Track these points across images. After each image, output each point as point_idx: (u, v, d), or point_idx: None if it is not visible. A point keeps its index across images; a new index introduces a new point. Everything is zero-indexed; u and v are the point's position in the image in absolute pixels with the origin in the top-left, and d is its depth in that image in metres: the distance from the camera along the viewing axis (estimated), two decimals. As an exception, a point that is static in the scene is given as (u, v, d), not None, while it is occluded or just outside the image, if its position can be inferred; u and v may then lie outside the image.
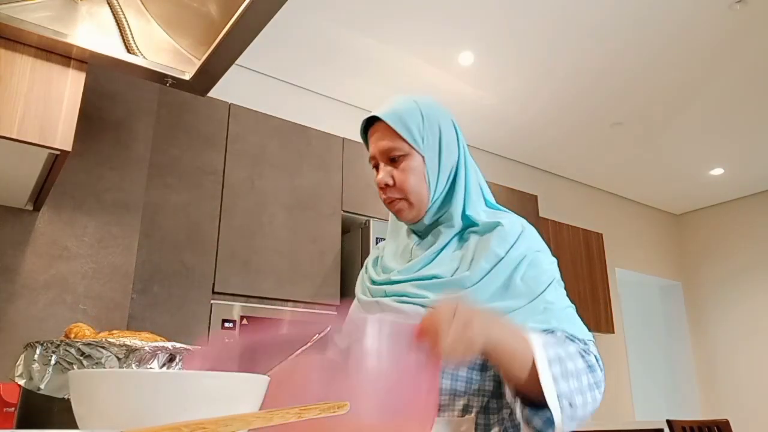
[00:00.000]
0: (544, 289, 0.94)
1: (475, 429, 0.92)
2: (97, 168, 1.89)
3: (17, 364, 0.87)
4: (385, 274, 1.05)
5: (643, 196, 5.29)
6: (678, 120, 3.92)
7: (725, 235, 5.32)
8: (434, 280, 0.96)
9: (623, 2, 2.80)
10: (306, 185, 2.59)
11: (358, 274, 1.18)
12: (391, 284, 1.02)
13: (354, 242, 2.66)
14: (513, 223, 1.02)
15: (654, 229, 5.48)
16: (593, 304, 4.12)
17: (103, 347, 0.84)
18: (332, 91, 3.54)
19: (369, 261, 1.15)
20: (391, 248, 1.11)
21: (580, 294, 4.06)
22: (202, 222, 2.29)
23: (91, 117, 1.90)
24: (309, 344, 1.10)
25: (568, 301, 0.97)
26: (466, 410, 0.93)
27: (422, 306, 0.93)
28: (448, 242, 1.02)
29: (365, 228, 2.62)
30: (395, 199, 1.02)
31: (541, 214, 4.29)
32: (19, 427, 0.89)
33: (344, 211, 2.67)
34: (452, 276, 0.95)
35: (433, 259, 1.00)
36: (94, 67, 1.64)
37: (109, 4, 1.60)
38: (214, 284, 2.25)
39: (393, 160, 1.01)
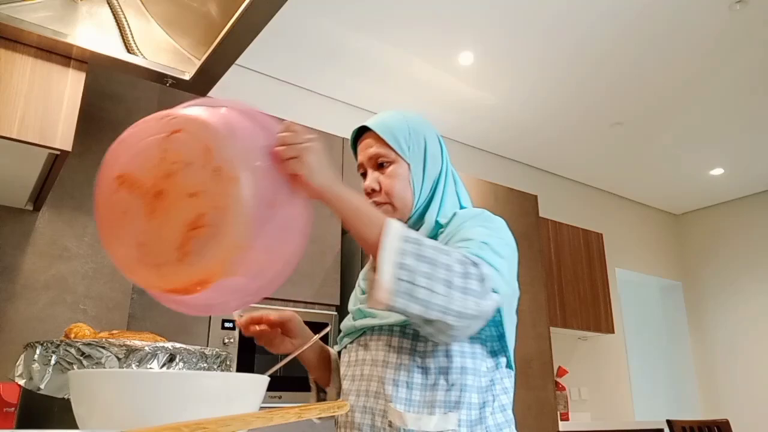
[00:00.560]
0: (466, 229, 0.99)
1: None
2: (97, 168, 1.88)
3: (17, 364, 0.87)
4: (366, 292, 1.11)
5: (643, 196, 5.29)
6: (678, 120, 3.92)
7: (725, 235, 5.32)
8: None
9: (623, 2, 2.80)
10: (306, 185, 2.60)
11: (358, 274, 1.19)
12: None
13: (354, 242, 2.66)
14: (468, 210, 1.08)
15: (654, 229, 5.48)
16: (593, 304, 4.12)
17: (103, 347, 0.84)
18: (332, 91, 3.54)
19: (362, 272, 1.20)
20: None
21: (580, 294, 4.06)
22: (202, 222, 2.28)
23: (91, 117, 1.90)
24: (309, 344, 1.10)
25: (488, 242, 0.97)
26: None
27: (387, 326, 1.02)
28: None
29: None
30: (380, 203, 1.07)
31: (541, 214, 4.29)
32: (19, 427, 0.90)
33: (344, 211, 2.67)
34: None
35: None
36: (94, 67, 1.64)
37: (109, 4, 1.60)
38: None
39: (380, 166, 1.07)
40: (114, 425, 0.59)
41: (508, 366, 1.03)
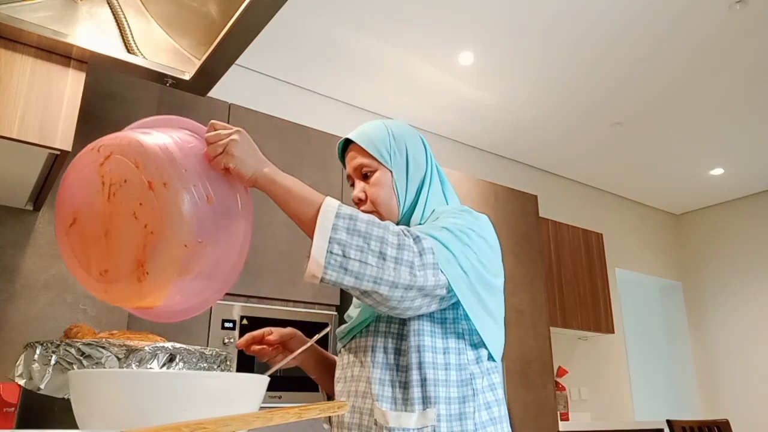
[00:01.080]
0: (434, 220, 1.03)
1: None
2: (97, 168, 1.89)
3: (17, 364, 0.87)
4: None
5: (643, 196, 5.29)
6: (678, 120, 3.92)
7: (725, 235, 5.32)
8: None
9: (623, 3, 2.80)
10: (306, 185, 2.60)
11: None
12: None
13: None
14: (446, 207, 1.11)
15: (654, 229, 5.48)
16: (593, 304, 4.12)
17: (103, 347, 0.84)
18: (332, 91, 3.54)
19: None
20: None
21: (580, 294, 4.06)
22: (202, 222, 2.28)
23: (91, 117, 1.90)
24: (309, 344, 1.11)
25: (450, 228, 0.99)
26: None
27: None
28: None
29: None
30: (367, 212, 1.10)
31: (541, 214, 4.29)
32: (19, 427, 0.90)
33: (344, 211, 2.67)
34: None
35: None
36: (94, 67, 1.64)
37: (109, 4, 1.60)
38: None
39: (365, 177, 1.12)
40: (114, 425, 0.59)
41: (491, 359, 1.03)
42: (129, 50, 1.59)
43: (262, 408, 0.63)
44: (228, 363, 1.01)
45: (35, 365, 0.83)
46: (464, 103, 3.70)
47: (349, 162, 1.15)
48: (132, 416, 0.58)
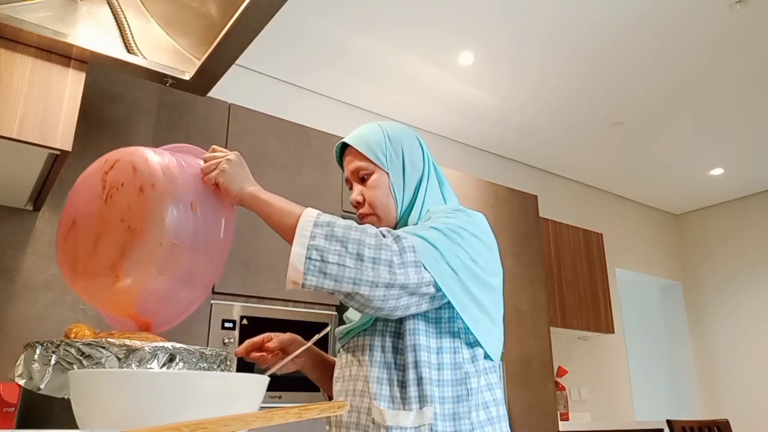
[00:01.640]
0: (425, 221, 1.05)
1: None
2: (97, 168, 1.89)
3: (17, 364, 0.87)
4: None
5: (643, 196, 5.29)
6: (678, 120, 3.92)
7: (725, 235, 5.32)
8: None
9: (622, 2, 2.80)
10: (306, 185, 2.60)
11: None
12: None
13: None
14: (441, 206, 1.12)
15: (654, 229, 5.48)
16: (593, 304, 4.12)
17: (103, 347, 0.84)
18: (332, 91, 3.54)
19: None
20: None
21: (580, 294, 4.06)
22: (202, 222, 2.28)
23: (91, 117, 1.90)
24: (309, 344, 1.11)
25: (438, 227, 1.00)
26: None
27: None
28: None
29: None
30: (365, 214, 1.12)
31: (541, 214, 4.29)
32: (19, 427, 0.90)
33: (344, 211, 2.67)
34: None
35: None
36: (94, 67, 1.64)
37: (109, 4, 1.60)
38: (214, 284, 2.25)
39: (363, 180, 1.13)
40: (114, 425, 0.59)
41: (487, 358, 1.03)
42: (129, 50, 1.59)
43: (262, 408, 0.63)
44: (228, 363, 1.01)
45: (35, 365, 0.83)
46: (464, 103, 3.70)
47: (346, 165, 1.16)
48: (132, 416, 0.58)
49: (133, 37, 1.60)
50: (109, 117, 1.94)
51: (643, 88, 3.53)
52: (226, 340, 2.21)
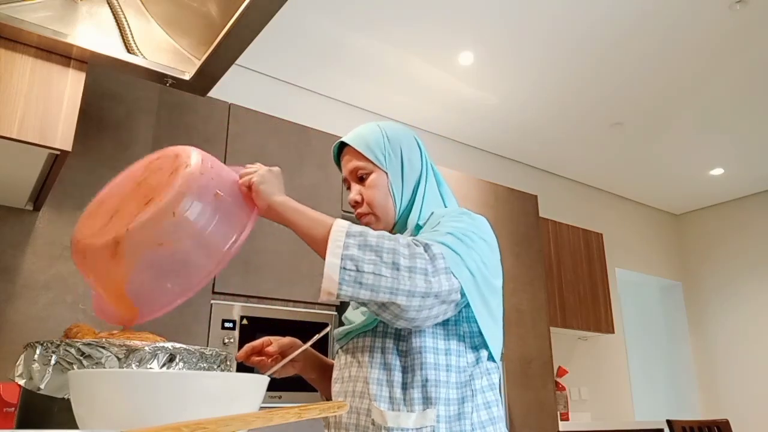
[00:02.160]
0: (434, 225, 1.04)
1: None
2: (97, 168, 1.89)
3: (17, 364, 0.87)
4: None
5: (643, 196, 5.29)
6: (678, 120, 3.92)
7: (725, 235, 5.32)
8: None
9: (622, 2, 2.80)
10: (306, 185, 2.60)
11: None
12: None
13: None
14: (445, 209, 1.12)
15: (654, 229, 5.48)
16: (593, 304, 4.12)
17: (103, 347, 0.84)
18: (332, 91, 3.54)
19: None
20: None
21: (580, 294, 4.06)
22: (202, 222, 2.28)
23: (91, 117, 1.90)
24: (309, 344, 1.11)
25: (453, 233, 1.00)
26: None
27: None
28: None
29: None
30: (364, 214, 1.12)
31: (541, 214, 4.29)
32: (19, 427, 0.90)
33: (344, 211, 2.67)
34: None
35: None
36: (94, 67, 1.64)
37: (109, 4, 1.60)
38: (214, 284, 2.25)
39: (361, 179, 1.12)
40: (114, 425, 0.59)
41: (491, 359, 1.04)
42: (129, 50, 1.59)
43: (262, 408, 0.63)
44: (228, 363, 1.01)
45: (35, 365, 0.83)
46: (464, 103, 3.70)
47: (344, 165, 1.16)
48: (132, 416, 0.58)
49: (133, 37, 1.60)
50: (109, 117, 1.94)
51: (643, 88, 3.53)
52: (226, 340, 2.21)
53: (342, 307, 2.51)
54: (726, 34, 3.03)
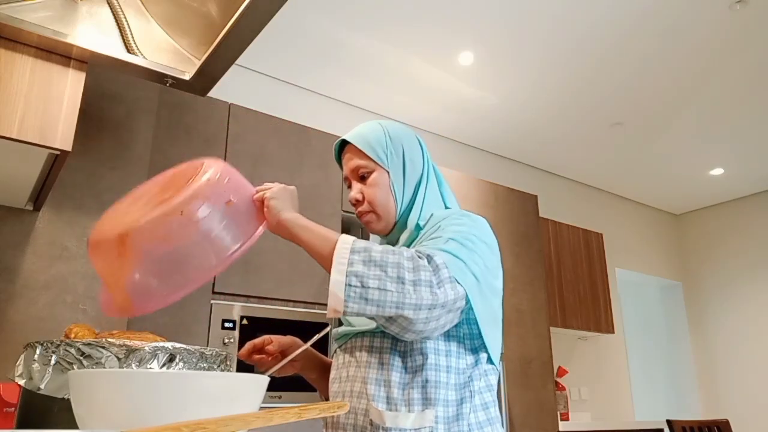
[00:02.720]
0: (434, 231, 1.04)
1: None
2: (97, 168, 1.89)
3: (17, 364, 0.87)
4: None
5: (643, 196, 5.29)
6: (678, 120, 3.92)
7: (725, 235, 5.32)
8: None
9: (623, 2, 2.80)
10: (306, 185, 2.60)
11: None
12: None
13: (354, 242, 2.66)
14: (445, 210, 1.11)
15: (654, 229, 5.48)
16: (593, 304, 4.12)
17: (103, 347, 0.84)
18: (332, 91, 3.54)
19: None
20: None
21: (580, 294, 4.06)
22: (202, 222, 2.28)
23: (91, 117, 1.90)
24: (309, 344, 1.11)
25: (455, 238, 1.00)
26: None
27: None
28: None
29: (365, 228, 2.61)
30: (365, 212, 1.12)
31: (541, 214, 4.29)
32: (19, 427, 0.90)
33: (344, 211, 2.67)
34: None
35: None
36: (94, 67, 1.64)
37: (109, 4, 1.60)
38: (213, 284, 2.25)
39: (362, 178, 1.12)
40: (114, 425, 0.59)
41: (490, 362, 1.04)
42: (129, 50, 1.59)
43: (262, 408, 0.63)
44: (228, 363, 1.01)
45: (35, 365, 0.83)
46: (464, 103, 3.70)
47: (345, 163, 1.15)
48: (132, 416, 0.58)
49: (133, 37, 1.60)
50: (109, 117, 1.94)
51: (643, 88, 3.53)
52: (226, 340, 2.21)
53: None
54: (726, 34, 3.03)
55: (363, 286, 0.87)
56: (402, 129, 1.16)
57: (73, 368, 0.82)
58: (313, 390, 2.38)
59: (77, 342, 0.84)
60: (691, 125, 3.98)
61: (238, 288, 2.30)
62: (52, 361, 0.83)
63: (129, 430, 0.52)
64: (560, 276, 3.97)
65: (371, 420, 0.97)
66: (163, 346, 0.87)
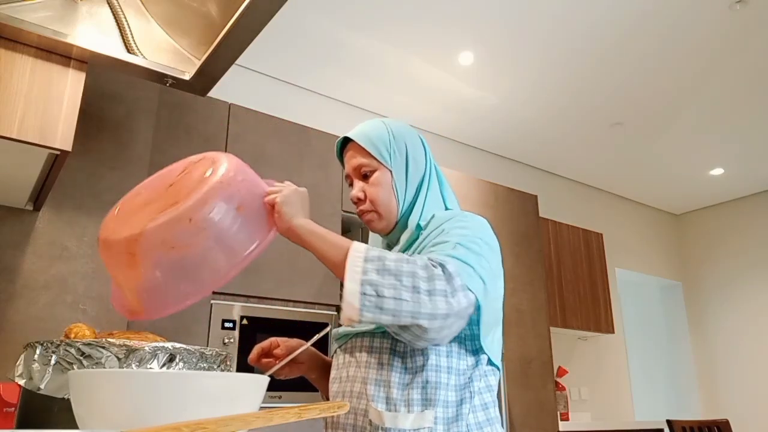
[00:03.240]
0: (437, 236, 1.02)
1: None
2: (97, 168, 1.89)
3: (17, 364, 0.87)
4: None
5: (643, 196, 5.29)
6: (678, 120, 3.92)
7: (725, 235, 5.32)
8: None
9: (622, 2, 2.80)
10: (306, 185, 2.60)
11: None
12: None
13: (354, 242, 2.66)
14: (446, 212, 1.10)
15: (654, 229, 5.48)
16: (593, 304, 4.12)
17: (103, 347, 0.84)
18: (332, 91, 3.54)
19: None
20: None
21: (580, 294, 4.06)
22: (202, 222, 2.28)
23: (91, 117, 1.90)
24: (309, 344, 1.11)
25: (462, 243, 0.99)
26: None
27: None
28: (404, 252, 1.09)
29: (365, 228, 2.62)
30: (366, 211, 1.11)
31: (541, 214, 4.29)
32: (19, 427, 0.90)
33: (344, 211, 2.67)
34: None
35: None
36: (94, 67, 1.64)
37: (109, 4, 1.60)
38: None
39: (365, 176, 1.11)
40: (114, 425, 0.59)
41: (490, 363, 1.04)
42: (129, 50, 1.59)
43: (262, 408, 0.63)
44: (228, 363, 1.02)
45: (35, 365, 0.83)
46: (464, 103, 3.70)
47: (347, 161, 1.14)
48: (132, 416, 0.59)
49: (133, 37, 1.60)
50: (109, 117, 1.94)
51: (643, 88, 3.53)
52: (226, 340, 2.21)
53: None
54: (726, 34, 3.03)
55: (378, 295, 0.86)
56: (405, 128, 1.15)
57: (73, 368, 0.82)
58: (314, 390, 2.38)
59: (77, 342, 0.84)
60: (691, 125, 3.98)
61: (238, 288, 2.30)
62: (52, 361, 0.83)
63: (129, 430, 0.52)
64: (560, 276, 3.97)
65: (371, 420, 0.97)
66: (163, 346, 0.87)
